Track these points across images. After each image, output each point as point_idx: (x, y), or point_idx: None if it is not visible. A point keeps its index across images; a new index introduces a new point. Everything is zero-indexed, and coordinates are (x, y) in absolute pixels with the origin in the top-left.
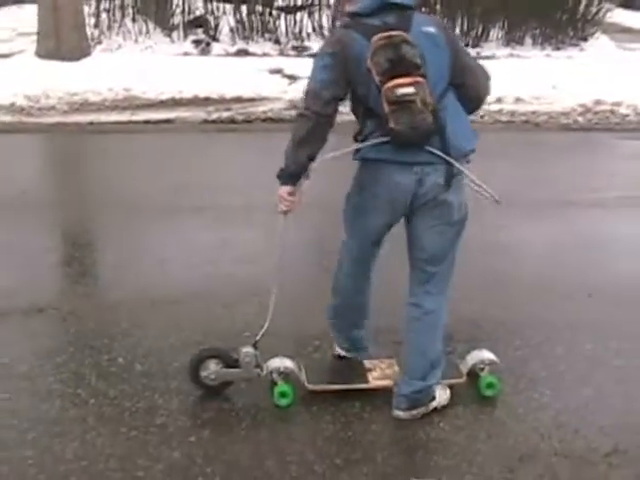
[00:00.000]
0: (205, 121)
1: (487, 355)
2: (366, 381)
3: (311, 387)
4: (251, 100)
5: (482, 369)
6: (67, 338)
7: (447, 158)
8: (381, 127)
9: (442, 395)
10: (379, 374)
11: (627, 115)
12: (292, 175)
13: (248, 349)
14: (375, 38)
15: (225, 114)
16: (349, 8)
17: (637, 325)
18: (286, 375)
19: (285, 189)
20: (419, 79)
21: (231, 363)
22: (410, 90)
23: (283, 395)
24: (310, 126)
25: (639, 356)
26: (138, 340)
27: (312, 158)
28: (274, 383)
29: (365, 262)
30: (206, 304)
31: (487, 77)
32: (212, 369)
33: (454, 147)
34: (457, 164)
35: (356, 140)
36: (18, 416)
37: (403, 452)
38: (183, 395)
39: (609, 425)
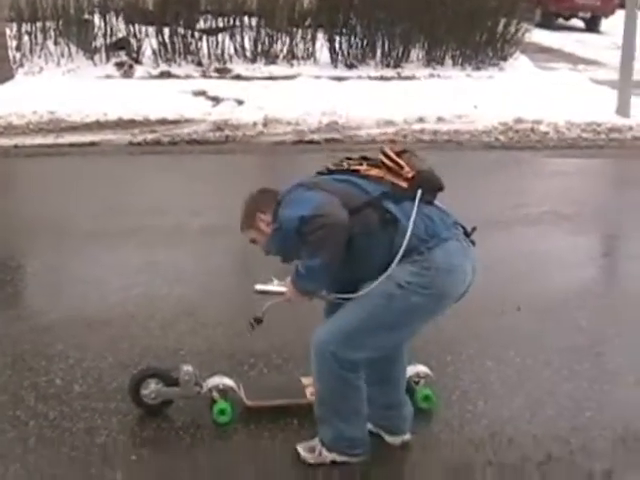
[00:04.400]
0: (130, 143)
1: (421, 369)
2: (304, 396)
3: (250, 403)
4: (175, 122)
5: (417, 382)
6: (4, 360)
7: None
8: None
9: None
10: None
11: (547, 133)
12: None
13: (187, 367)
14: None
15: (150, 136)
16: None
17: (564, 337)
18: (225, 392)
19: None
20: None
21: (171, 382)
22: None
23: (222, 412)
24: None
25: (566, 367)
26: (76, 361)
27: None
28: (214, 401)
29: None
30: (141, 324)
31: None
32: (152, 388)
33: None
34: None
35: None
36: None
37: (341, 465)
38: (122, 415)
39: (542, 434)
